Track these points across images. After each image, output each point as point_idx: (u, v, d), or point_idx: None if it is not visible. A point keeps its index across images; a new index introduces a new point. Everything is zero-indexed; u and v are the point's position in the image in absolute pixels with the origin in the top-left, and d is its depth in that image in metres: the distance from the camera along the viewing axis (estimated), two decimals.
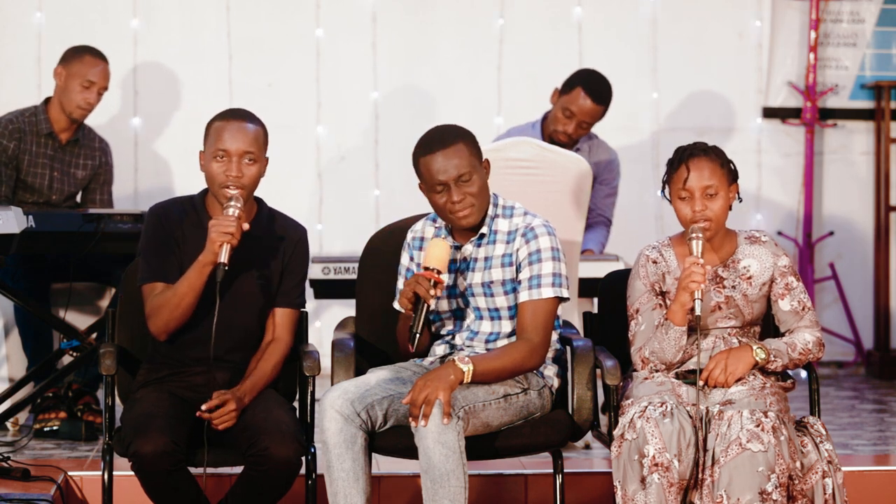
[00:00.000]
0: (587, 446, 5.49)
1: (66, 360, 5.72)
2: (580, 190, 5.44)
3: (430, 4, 7.41)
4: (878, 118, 7.55)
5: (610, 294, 4.68)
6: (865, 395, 6.93)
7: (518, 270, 4.34)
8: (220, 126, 4.35)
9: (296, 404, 4.51)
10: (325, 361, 4.65)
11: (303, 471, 4.29)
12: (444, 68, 7.42)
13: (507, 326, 4.39)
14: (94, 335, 5.71)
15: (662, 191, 4.43)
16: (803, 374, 4.58)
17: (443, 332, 4.47)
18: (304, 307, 4.53)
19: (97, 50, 6.09)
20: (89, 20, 7.17)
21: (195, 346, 4.39)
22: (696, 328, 4.30)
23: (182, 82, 7.29)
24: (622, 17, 7.50)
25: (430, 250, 4.26)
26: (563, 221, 5.17)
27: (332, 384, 4.34)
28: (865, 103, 7.62)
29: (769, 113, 7.60)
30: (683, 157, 4.35)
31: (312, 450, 4.34)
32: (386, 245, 4.65)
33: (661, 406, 4.19)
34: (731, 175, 4.39)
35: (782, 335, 4.46)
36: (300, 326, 4.54)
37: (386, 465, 4.91)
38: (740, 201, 4.45)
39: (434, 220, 4.47)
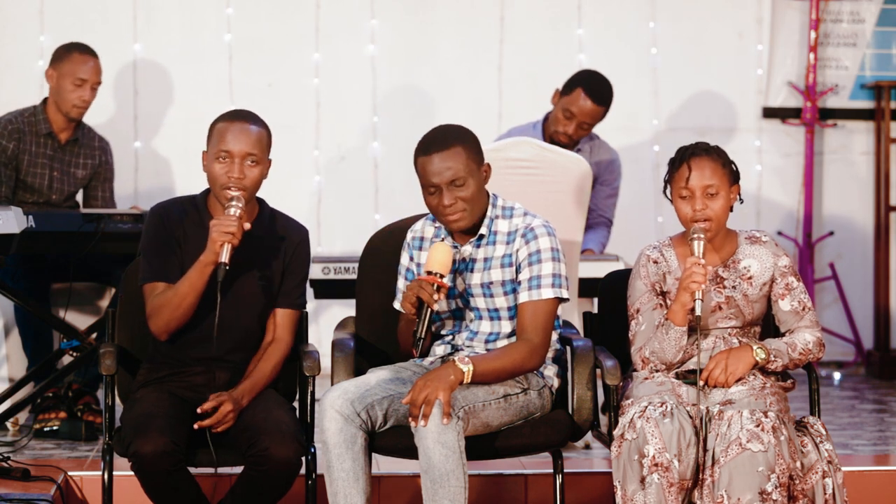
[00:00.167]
0: (587, 446, 5.49)
1: (66, 360, 5.72)
2: (580, 190, 5.44)
3: (430, 4, 7.41)
4: (878, 118, 7.55)
5: (610, 294, 4.68)
6: (865, 395, 6.93)
7: (518, 271, 4.34)
8: (224, 127, 4.35)
9: (296, 404, 4.51)
10: (325, 361, 4.65)
11: (303, 471, 4.29)
12: (444, 68, 7.42)
13: (506, 327, 4.39)
14: (94, 335, 5.71)
15: (664, 190, 4.44)
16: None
17: (443, 332, 4.47)
18: (304, 308, 4.53)
19: (85, 45, 6.07)
20: (89, 20, 7.17)
21: (196, 345, 4.38)
22: (696, 328, 4.30)
23: (182, 82, 7.29)
24: (622, 17, 7.50)
25: (432, 254, 4.26)
26: (563, 221, 5.17)
27: (332, 384, 4.34)
28: (865, 103, 7.62)
29: (769, 113, 7.60)
30: (685, 156, 4.36)
31: (312, 450, 4.33)
32: (386, 245, 4.64)
33: (661, 406, 4.19)
34: (733, 176, 4.39)
35: (782, 335, 4.46)
36: (300, 326, 4.53)
37: (386, 465, 4.91)
38: (741, 202, 4.46)
39: (434, 220, 4.47)
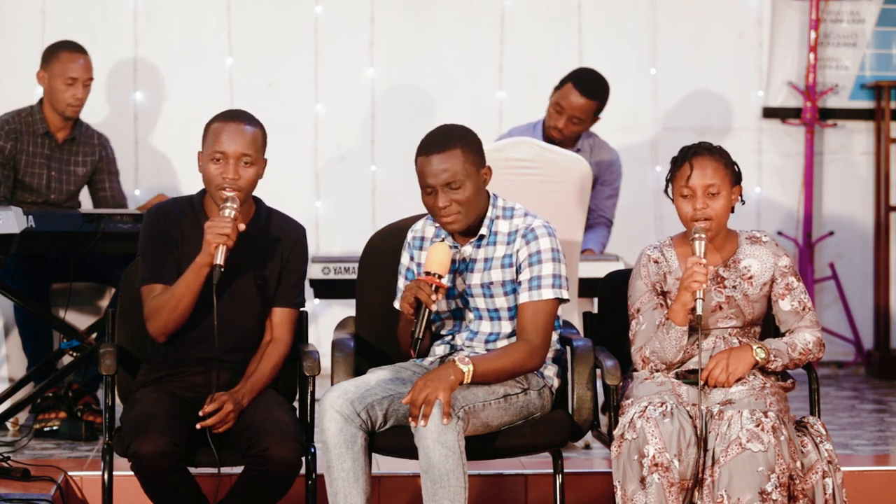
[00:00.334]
0: (587, 446, 5.49)
1: (66, 360, 5.71)
2: (581, 190, 5.44)
3: (430, 4, 7.41)
4: (878, 118, 7.55)
5: (610, 294, 4.68)
6: (865, 395, 6.93)
7: (518, 271, 4.34)
8: (218, 127, 4.34)
9: (296, 404, 4.50)
10: (325, 361, 4.65)
11: (303, 471, 4.29)
12: (444, 68, 7.41)
13: (506, 327, 4.39)
14: (94, 335, 5.71)
15: (666, 189, 4.44)
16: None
17: (443, 332, 4.46)
18: (303, 307, 4.52)
19: (73, 43, 6.05)
20: (89, 20, 7.17)
21: (195, 346, 4.38)
22: (697, 328, 4.30)
23: (182, 82, 7.29)
24: (622, 17, 7.50)
25: (431, 254, 4.26)
26: (563, 221, 5.17)
27: (332, 384, 4.34)
28: (865, 103, 7.62)
29: (769, 113, 7.60)
30: (687, 155, 4.36)
31: (312, 450, 4.33)
32: (386, 245, 4.64)
33: (661, 406, 4.19)
34: (735, 176, 4.39)
35: (783, 335, 4.46)
36: (300, 326, 4.53)
37: (386, 465, 4.91)
38: (743, 203, 4.46)
39: (434, 220, 4.46)
